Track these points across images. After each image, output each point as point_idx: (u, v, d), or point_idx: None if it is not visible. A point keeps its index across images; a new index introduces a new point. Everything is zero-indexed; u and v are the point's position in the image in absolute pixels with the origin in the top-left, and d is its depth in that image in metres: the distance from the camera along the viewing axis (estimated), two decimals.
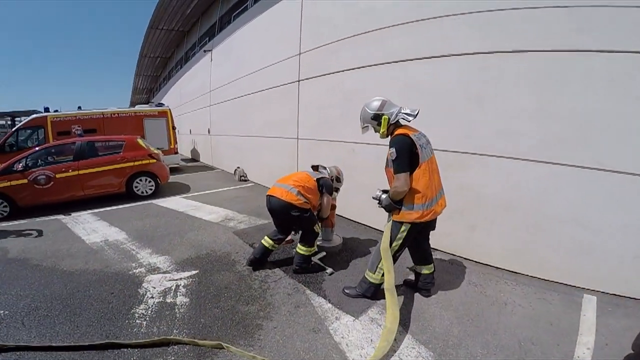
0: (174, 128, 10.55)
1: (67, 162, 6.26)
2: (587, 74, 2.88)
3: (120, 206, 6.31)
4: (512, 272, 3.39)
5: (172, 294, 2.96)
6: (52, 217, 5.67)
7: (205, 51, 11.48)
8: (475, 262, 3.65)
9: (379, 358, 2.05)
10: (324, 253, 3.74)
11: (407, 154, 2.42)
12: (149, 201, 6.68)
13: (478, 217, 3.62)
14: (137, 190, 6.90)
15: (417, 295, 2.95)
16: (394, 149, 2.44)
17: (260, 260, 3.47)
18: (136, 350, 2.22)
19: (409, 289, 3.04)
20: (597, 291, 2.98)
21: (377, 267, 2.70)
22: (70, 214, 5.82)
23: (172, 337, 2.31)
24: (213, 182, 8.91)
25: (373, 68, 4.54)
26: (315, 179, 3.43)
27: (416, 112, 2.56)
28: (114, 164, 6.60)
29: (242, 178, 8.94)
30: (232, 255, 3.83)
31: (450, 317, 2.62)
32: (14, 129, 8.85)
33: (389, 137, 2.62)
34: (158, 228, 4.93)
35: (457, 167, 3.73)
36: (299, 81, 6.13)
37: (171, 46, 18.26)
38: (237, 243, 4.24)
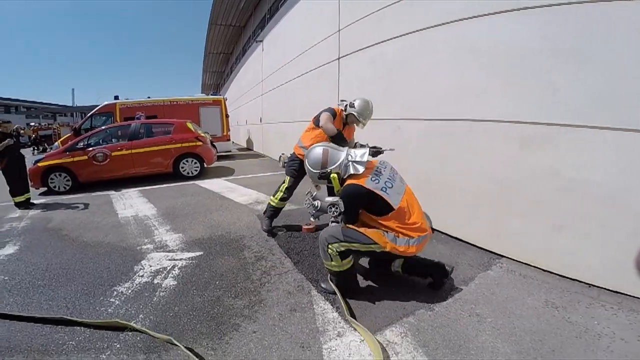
0: (227, 116, 10.68)
1: (122, 143, 6.52)
2: None
3: (165, 185, 6.37)
4: (615, 292, 2.22)
5: (163, 275, 2.54)
6: (104, 193, 5.91)
7: (257, 42, 11.41)
8: (559, 275, 2.52)
9: None
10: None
11: (357, 208, 2.04)
12: (192, 182, 6.66)
13: (568, 213, 2.47)
14: (183, 171, 6.94)
15: (465, 316, 2.02)
16: (342, 202, 2.03)
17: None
18: (88, 330, 1.88)
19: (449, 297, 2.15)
20: None
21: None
22: (120, 190, 6.03)
23: (126, 322, 1.89)
24: (258, 167, 8.70)
25: (417, 34, 3.58)
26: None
27: (365, 157, 2.11)
28: (163, 144, 6.70)
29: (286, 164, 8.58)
30: (245, 240, 3.31)
31: (508, 352, 1.69)
32: (88, 115, 9.78)
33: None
34: (187, 206, 4.71)
35: (536, 145, 2.63)
36: (339, 59, 5.39)
37: (231, 42, 18.78)
38: (256, 227, 3.71)
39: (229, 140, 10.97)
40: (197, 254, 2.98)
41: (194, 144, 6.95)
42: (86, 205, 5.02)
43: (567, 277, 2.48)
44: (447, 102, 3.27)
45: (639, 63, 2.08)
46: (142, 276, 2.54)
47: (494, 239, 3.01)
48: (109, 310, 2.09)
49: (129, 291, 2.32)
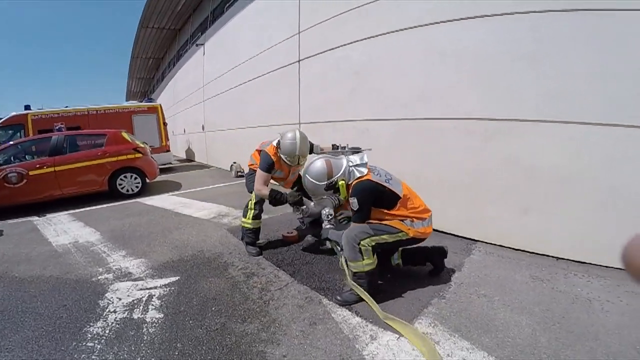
0: (165, 124, 9.65)
1: (43, 159, 5.35)
2: None
3: (102, 206, 5.40)
4: (579, 262, 2.58)
5: (141, 308, 2.10)
6: (24, 219, 4.75)
7: (197, 45, 10.63)
8: (530, 252, 2.82)
9: None
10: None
11: (370, 203, 2.02)
12: (135, 200, 5.79)
13: (532, 196, 2.79)
14: (122, 188, 5.98)
15: (475, 298, 2.12)
16: (356, 199, 2.00)
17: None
18: None
19: (460, 287, 2.23)
20: None
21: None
22: (45, 215, 4.92)
23: None
24: (207, 179, 8.01)
25: (385, 37, 3.72)
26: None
27: (365, 159, 2.18)
28: (95, 159, 5.68)
29: (240, 173, 8.08)
30: (225, 257, 2.97)
31: (530, 323, 1.82)
32: None
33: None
34: (139, 227, 4.06)
35: (499, 138, 2.92)
36: (299, 61, 5.30)
37: (163, 46, 17.17)
38: (230, 242, 3.38)
39: (168, 151, 9.90)
40: (173, 279, 2.56)
41: (132, 156, 6.06)
42: (1, 234, 3.99)
43: (537, 253, 2.79)
44: (417, 102, 3.44)
45: (580, 65, 2.46)
46: (114, 312, 2.06)
47: (469, 225, 3.25)
48: (93, 357, 1.63)
49: (107, 331, 1.84)
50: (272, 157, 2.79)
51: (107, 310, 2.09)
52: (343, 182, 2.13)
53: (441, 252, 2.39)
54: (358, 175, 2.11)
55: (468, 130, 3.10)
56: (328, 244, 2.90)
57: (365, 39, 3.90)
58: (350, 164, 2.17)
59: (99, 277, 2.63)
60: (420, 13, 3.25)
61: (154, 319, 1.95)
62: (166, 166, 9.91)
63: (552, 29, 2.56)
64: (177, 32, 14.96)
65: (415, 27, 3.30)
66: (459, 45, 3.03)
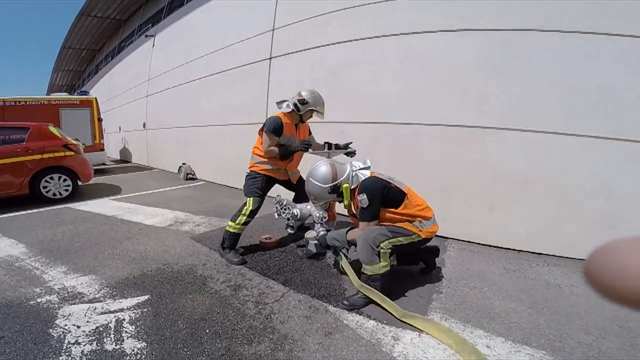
0: (99, 120, 8.33)
1: None
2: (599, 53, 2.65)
3: (22, 212, 4.34)
4: (538, 254, 2.91)
5: (112, 337, 1.68)
6: None
7: (147, 36, 9.53)
8: (496, 247, 3.09)
9: None
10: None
11: (379, 199, 2.01)
12: (65, 205, 4.81)
13: (497, 196, 3.07)
14: (47, 192, 4.91)
15: (468, 290, 2.22)
16: (365, 195, 1.99)
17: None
18: None
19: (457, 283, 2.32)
20: None
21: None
22: None
23: None
24: (152, 182, 7.09)
25: (365, 41, 3.77)
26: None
27: (367, 163, 2.20)
28: (13, 156, 4.56)
29: (190, 176, 7.35)
30: (199, 269, 2.60)
31: (523, 309, 1.99)
32: None
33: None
34: (77, 237, 3.35)
35: (470, 144, 3.16)
36: (270, 58, 5.04)
37: (103, 36, 15.03)
38: (200, 252, 2.98)
39: (102, 150, 8.54)
40: (142, 298, 2.13)
41: (61, 154, 5.03)
42: None
43: (503, 247, 3.07)
44: (394, 107, 3.54)
45: (543, 80, 2.80)
46: (77, 343, 1.59)
47: (442, 224, 3.41)
48: None
49: None
50: (284, 119, 2.66)
51: (66, 341, 1.62)
52: (347, 185, 2.12)
53: (434, 252, 2.46)
54: (362, 178, 2.12)
55: (443, 136, 3.28)
56: (313, 247, 2.78)
57: (345, 41, 3.90)
58: (354, 168, 2.17)
59: (38, 300, 2.06)
60: (402, 22, 3.37)
61: (136, 350, 1.57)
62: (100, 167, 8.57)
63: (520, 46, 2.87)
64: (122, 22, 13.28)
65: (396, 34, 3.40)
66: (437, 55, 3.20)
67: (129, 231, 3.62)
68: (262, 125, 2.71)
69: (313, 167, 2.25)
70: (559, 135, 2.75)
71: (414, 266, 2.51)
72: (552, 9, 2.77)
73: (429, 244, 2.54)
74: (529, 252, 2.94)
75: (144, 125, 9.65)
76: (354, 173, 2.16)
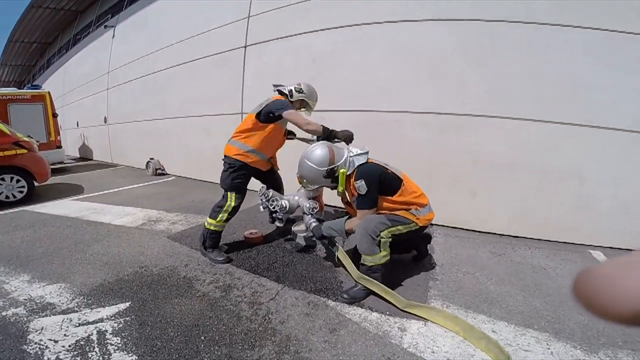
0: (54, 115, 7.51)
1: None
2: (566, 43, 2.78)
3: None
4: (519, 237, 3.03)
5: (97, 350, 1.47)
6: None
7: (106, 27, 8.75)
8: (478, 232, 3.18)
9: None
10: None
11: (377, 186, 1.94)
12: (21, 208, 4.27)
13: (479, 181, 3.15)
14: None
15: (462, 276, 2.24)
16: (363, 181, 1.91)
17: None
18: None
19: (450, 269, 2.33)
20: (597, 246, 2.81)
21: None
22: None
23: None
24: (118, 179, 6.53)
25: (349, 29, 3.65)
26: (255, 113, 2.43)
27: (366, 149, 2.12)
28: None
29: (159, 171, 6.87)
30: (181, 271, 2.39)
31: (517, 292, 2.04)
32: None
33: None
34: (38, 243, 2.98)
35: (452, 131, 3.20)
36: (245, 47, 4.78)
37: (56, 29, 13.58)
38: (180, 252, 2.74)
39: (59, 147, 7.73)
40: (122, 306, 1.91)
41: (12, 152, 4.44)
42: None
43: (485, 232, 3.16)
44: (378, 95, 3.49)
45: (517, 69, 2.87)
46: None
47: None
48: None
49: None
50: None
51: (45, 359, 1.40)
52: (344, 170, 2.01)
53: (426, 239, 2.45)
54: (358, 164, 2.02)
55: (425, 123, 3.29)
56: (302, 240, 2.68)
57: (328, 28, 3.77)
58: (351, 154, 2.07)
59: (3, 314, 1.78)
60: (386, 11, 3.30)
61: None
62: (58, 166, 7.79)
63: (496, 36, 2.92)
64: (78, 13, 12.03)
65: (380, 22, 3.33)
66: (420, 44, 3.18)
67: (97, 233, 3.28)
68: (260, 108, 2.44)
69: (309, 149, 2.12)
70: (534, 122, 2.85)
71: (405, 254, 2.50)
72: (521, 1, 2.84)
73: None
74: (510, 236, 3.05)
75: (105, 119, 8.88)
76: (350, 158, 2.05)
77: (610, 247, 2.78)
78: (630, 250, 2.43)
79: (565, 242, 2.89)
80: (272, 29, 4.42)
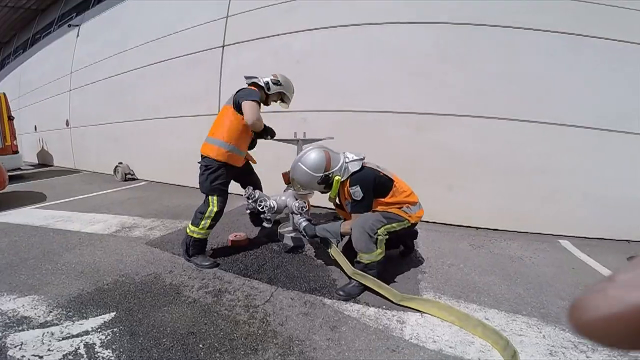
0: (10, 118, 6.83)
1: None
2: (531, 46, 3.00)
3: None
4: (493, 229, 3.22)
5: None
6: None
7: (70, 26, 8.17)
8: (455, 225, 3.35)
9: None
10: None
11: (372, 191, 1.96)
12: None
13: (454, 176, 3.31)
14: None
15: (448, 268, 2.35)
16: (359, 187, 1.91)
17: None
18: None
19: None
20: (564, 236, 3.06)
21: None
22: None
23: None
24: (84, 186, 6.08)
25: (330, 30, 3.70)
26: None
27: (361, 154, 2.09)
28: None
29: (129, 176, 6.48)
30: (165, 277, 2.27)
31: (501, 280, 2.16)
32: None
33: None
34: (1, 253, 2.71)
35: (428, 129, 3.35)
36: (223, 47, 4.66)
37: (12, 28, 12.42)
38: (161, 258, 2.60)
39: (16, 152, 7.05)
40: (107, 317, 1.78)
41: None
42: None
43: (461, 225, 3.33)
44: (359, 95, 3.57)
45: (491, 69, 3.06)
46: None
47: None
48: None
49: None
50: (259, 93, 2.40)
51: None
52: (339, 178, 1.99)
53: (413, 234, 2.53)
54: (352, 171, 2.02)
55: (405, 122, 3.41)
56: (290, 241, 2.67)
57: (311, 29, 3.78)
58: (347, 159, 2.05)
59: None
60: (368, 12, 3.38)
61: None
62: (15, 173, 7.09)
63: (472, 38, 3.09)
64: (38, 12, 11.07)
65: (362, 24, 3.40)
66: (401, 45, 3.29)
67: (66, 242, 3.04)
68: (232, 98, 2.33)
69: (304, 152, 2.06)
70: (506, 121, 3.06)
71: (393, 250, 2.55)
72: (489, 6, 3.05)
73: None
74: (487, 228, 3.23)
75: (67, 122, 8.24)
76: (346, 164, 2.04)
77: (576, 236, 3.02)
78: (596, 239, 2.69)
79: (537, 233, 3.11)
80: (252, 28, 4.36)
